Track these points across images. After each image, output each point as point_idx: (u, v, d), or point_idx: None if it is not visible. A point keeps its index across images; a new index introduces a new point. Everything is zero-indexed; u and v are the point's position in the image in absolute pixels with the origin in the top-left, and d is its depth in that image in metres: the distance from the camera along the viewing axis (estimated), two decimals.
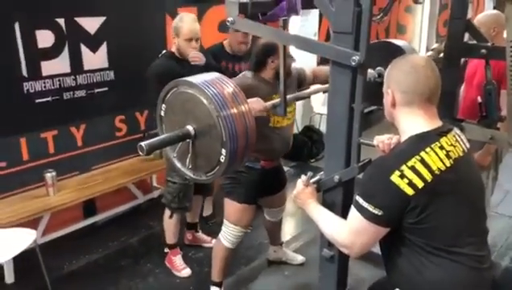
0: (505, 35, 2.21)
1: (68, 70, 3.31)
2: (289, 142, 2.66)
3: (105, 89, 3.55)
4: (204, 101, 1.64)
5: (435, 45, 3.16)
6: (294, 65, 2.56)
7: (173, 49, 2.88)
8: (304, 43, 1.76)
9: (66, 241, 3.39)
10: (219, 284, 2.81)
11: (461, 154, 1.42)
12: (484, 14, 3.04)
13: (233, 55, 3.30)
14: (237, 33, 3.17)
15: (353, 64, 1.51)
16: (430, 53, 2.84)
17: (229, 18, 1.78)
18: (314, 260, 3.06)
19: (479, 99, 2.40)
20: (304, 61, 3.60)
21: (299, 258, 3.26)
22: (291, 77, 2.53)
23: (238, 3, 1.75)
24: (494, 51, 2.26)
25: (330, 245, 1.73)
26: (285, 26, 1.90)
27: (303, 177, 1.70)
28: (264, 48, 2.44)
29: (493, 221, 3.33)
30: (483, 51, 2.31)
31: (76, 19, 3.29)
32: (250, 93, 2.14)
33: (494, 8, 7.30)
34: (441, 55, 2.57)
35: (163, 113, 1.83)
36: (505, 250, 3.35)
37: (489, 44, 2.36)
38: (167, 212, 3.07)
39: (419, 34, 7.88)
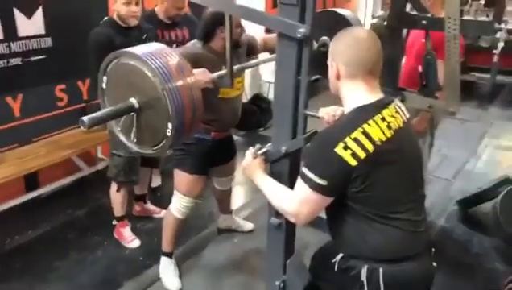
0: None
1: (0, 37, 3.11)
2: (238, 113, 2.66)
3: (43, 56, 3.37)
4: (149, 74, 1.60)
5: (380, 12, 3.22)
6: (245, 34, 2.52)
7: (114, 16, 2.76)
8: (250, 14, 1.73)
9: (8, 216, 3.27)
10: (169, 254, 2.82)
11: (401, 124, 1.48)
12: None
13: (166, 23, 3.16)
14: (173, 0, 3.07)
15: (299, 36, 1.52)
16: (375, 20, 2.90)
17: None
18: (262, 228, 3.11)
19: (420, 69, 2.50)
20: (252, 29, 3.57)
21: (249, 226, 3.32)
22: (241, 47, 2.51)
23: None
24: (434, 23, 2.33)
25: (278, 213, 1.78)
26: None
27: (252, 149, 1.71)
28: (213, 17, 2.35)
29: (430, 185, 3.54)
30: (424, 22, 2.38)
31: None
32: (200, 64, 2.10)
33: None
34: (386, 22, 2.62)
35: (104, 86, 1.76)
36: (441, 211, 3.59)
37: (430, 16, 2.44)
38: (114, 185, 3.00)
39: (365, 1, 7.98)
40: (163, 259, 2.82)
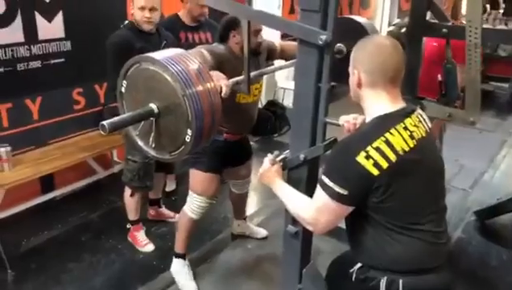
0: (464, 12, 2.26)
1: (21, 40, 3.14)
2: (253, 119, 2.66)
3: (62, 60, 3.40)
4: (169, 79, 1.60)
5: (396, 20, 3.20)
6: (264, 41, 2.51)
7: (134, 20, 2.77)
8: (271, 20, 1.74)
9: (23, 217, 3.29)
10: (182, 256, 2.81)
11: (424, 134, 1.46)
12: None
13: (190, 26, 3.21)
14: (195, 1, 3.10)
15: (321, 42, 1.51)
16: (392, 28, 2.87)
17: None
18: (276, 234, 3.14)
19: (439, 77, 2.47)
20: (269, 35, 3.57)
21: (263, 232, 3.30)
22: (261, 54, 2.51)
23: None
24: (455, 31, 2.31)
25: (295, 221, 1.76)
26: (250, 1, 1.86)
27: (270, 155, 1.70)
28: (226, 22, 2.42)
29: (447, 195, 3.48)
30: (444, 30, 2.36)
31: None
32: (223, 64, 2.16)
33: None
34: (403, 30, 2.60)
35: (123, 90, 1.77)
36: (458, 222, 3.53)
37: (450, 24, 2.41)
38: (128, 190, 3.01)
39: (382, 9, 7.95)
40: (176, 261, 2.82)
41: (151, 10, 2.71)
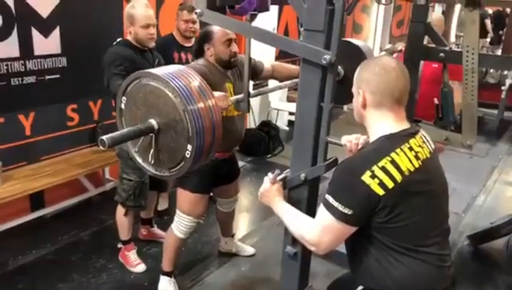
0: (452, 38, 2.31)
1: (16, 54, 3.12)
2: (240, 134, 2.62)
3: (57, 76, 3.38)
4: (170, 95, 1.59)
5: (388, 46, 3.25)
6: (241, 56, 2.50)
7: (129, 38, 2.76)
8: (274, 39, 1.75)
9: (12, 235, 3.21)
10: (169, 274, 2.79)
11: (428, 155, 1.46)
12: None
13: (184, 45, 3.24)
14: (182, 15, 3.16)
15: (324, 62, 1.51)
16: (383, 53, 2.92)
17: (197, 10, 1.74)
18: (270, 256, 3.11)
19: (436, 101, 2.50)
20: (264, 55, 3.60)
21: (250, 250, 3.27)
22: (237, 68, 2.50)
23: None
24: (452, 55, 2.34)
25: (294, 242, 1.74)
26: (251, 20, 1.87)
27: (270, 175, 1.69)
28: (200, 35, 2.47)
29: None
30: (441, 54, 2.39)
31: (27, 0, 3.11)
32: (207, 79, 2.13)
33: (443, 13, 7.63)
34: (394, 55, 2.64)
35: (123, 106, 1.76)
36: (453, 245, 3.51)
37: (447, 48, 2.45)
38: (121, 209, 2.95)
39: (374, 34, 8.08)
40: (163, 279, 2.79)
41: (154, 26, 2.74)
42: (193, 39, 3.23)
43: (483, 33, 9.54)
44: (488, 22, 9.74)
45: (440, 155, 3.31)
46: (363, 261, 1.48)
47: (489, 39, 10.39)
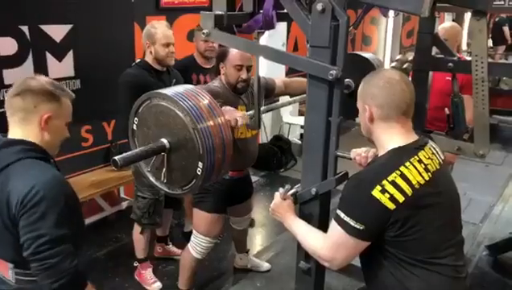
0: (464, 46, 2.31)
1: None
2: (254, 154, 2.64)
3: None
4: (180, 114, 1.62)
5: (398, 56, 3.25)
6: (253, 78, 2.53)
7: (147, 58, 2.82)
8: (280, 56, 1.77)
9: None
10: None
11: (438, 166, 1.45)
12: (442, 27, 3.21)
13: (204, 67, 3.26)
14: (200, 35, 3.14)
15: (331, 78, 1.53)
16: (394, 64, 2.91)
17: (205, 30, 1.77)
18: (285, 271, 3.09)
19: (446, 111, 2.48)
20: (274, 70, 3.63)
21: (265, 266, 3.28)
22: (249, 92, 2.51)
23: (214, 15, 1.74)
24: (461, 65, 2.33)
25: (307, 257, 1.73)
26: (259, 37, 1.90)
27: (281, 190, 1.69)
28: (217, 54, 2.52)
29: None
30: (450, 64, 2.38)
31: (41, 27, 3.19)
32: (216, 97, 2.15)
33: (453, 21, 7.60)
34: (405, 66, 2.64)
35: (135, 127, 1.79)
36: (470, 257, 3.46)
37: (456, 58, 2.44)
38: (137, 227, 2.98)
39: (383, 45, 8.08)
40: None
41: (173, 45, 2.78)
42: (214, 60, 3.25)
43: (501, 40, 9.44)
44: (506, 28, 9.61)
45: (456, 164, 3.34)
46: (378, 274, 1.47)
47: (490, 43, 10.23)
